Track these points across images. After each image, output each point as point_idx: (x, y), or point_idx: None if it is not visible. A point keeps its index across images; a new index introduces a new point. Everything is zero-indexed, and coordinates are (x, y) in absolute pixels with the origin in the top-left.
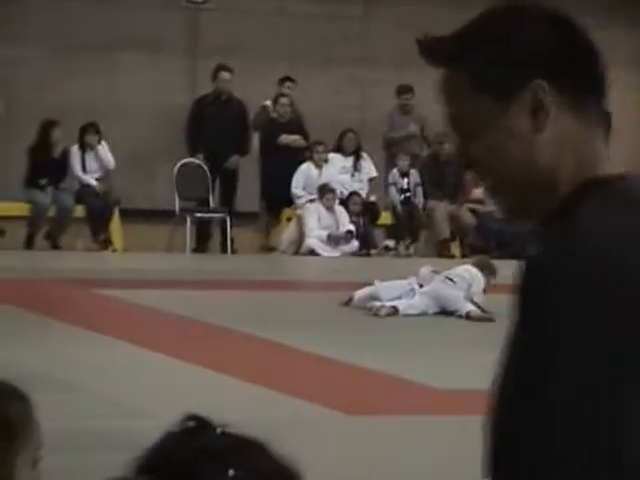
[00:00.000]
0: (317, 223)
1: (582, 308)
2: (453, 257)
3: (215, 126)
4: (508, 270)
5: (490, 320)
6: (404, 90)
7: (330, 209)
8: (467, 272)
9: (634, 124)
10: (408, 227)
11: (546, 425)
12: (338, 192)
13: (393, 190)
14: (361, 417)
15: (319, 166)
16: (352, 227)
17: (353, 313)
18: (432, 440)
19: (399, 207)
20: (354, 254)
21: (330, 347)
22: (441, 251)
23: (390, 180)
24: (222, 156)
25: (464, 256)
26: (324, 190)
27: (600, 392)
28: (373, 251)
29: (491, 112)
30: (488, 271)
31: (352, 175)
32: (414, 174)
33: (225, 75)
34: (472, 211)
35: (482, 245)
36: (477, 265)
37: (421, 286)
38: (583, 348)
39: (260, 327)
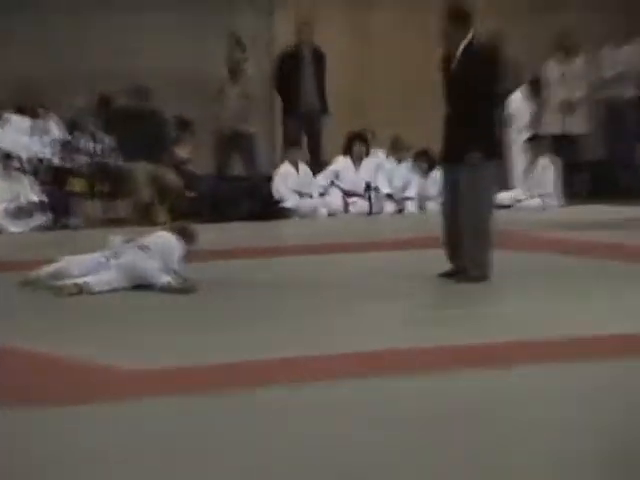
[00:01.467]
0: None
1: None
2: (160, 224)
3: None
4: (217, 234)
5: (191, 291)
6: None
7: (11, 177)
8: (161, 238)
9: None
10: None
11: None
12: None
13: (78, 157)
14: None
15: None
16: (36, 197)
17: (35, 294)
18: None
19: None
20: (44, 228)
21: None
22: (145, 217)
23: (77, 144)
24: None
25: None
26: (3, 156)
27: None
28: (74, 221)
29: None
30: (186, 237)
31: (35, 137)
32: (106, 136)
33: None
34: (178, 172)
35: (193, 209)
36: (174, 230)
37: (113, 258)
38: None
39: None
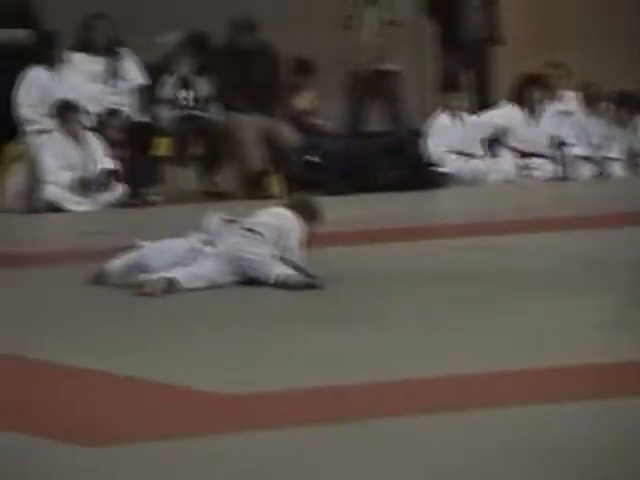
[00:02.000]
0: (57, 161)
1: None
2: (271, 197)
3: None
4: (349, 210)
5: (312, 286)
6: None
7: (76, 138)
8: (276, 218)
9: None
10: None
11: None
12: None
13: (162, 110)
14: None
15: (52, 70)
16: (111, 164)
17: (109, 294)
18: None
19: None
20: (119, 205)
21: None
22: (253, 189)
23: (161, 94)
24: None
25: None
26: (64, 109)
27: None
28: (155, 196)
29: None
30: (308, 214)
31: (107, 83)
32: (201, 82)
33: None
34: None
35: (314, 177)
36: (291, 207)
37: (207, 245)
38: None
39: None
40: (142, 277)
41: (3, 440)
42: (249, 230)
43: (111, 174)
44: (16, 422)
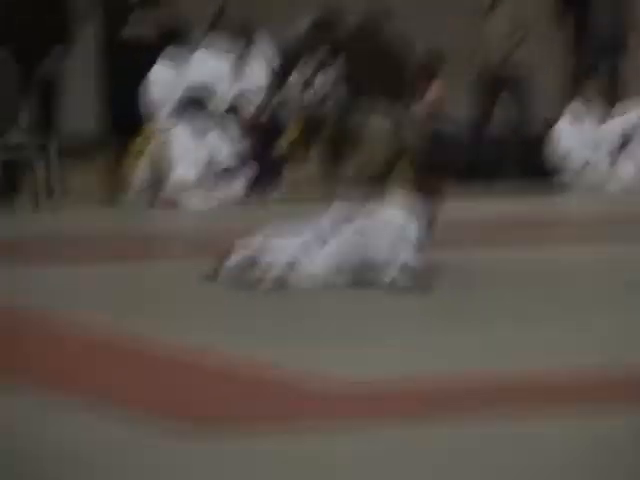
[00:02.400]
0: (181, 158)
1: None
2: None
3: None
4: (470, 212)
5: (424, 290)
6: None
7: (201, 134)
8: (393, 217)
9: None
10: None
11: None
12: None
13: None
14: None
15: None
16: (234, 161)
17: (224, 290)
18: None
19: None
20: (240, 202)
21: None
22: (375, 190)
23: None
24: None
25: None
26: (189, 105)
27: None
28: (276, 194)
29: None
30: (429, 193)
31: (238, 70)
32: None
33: None
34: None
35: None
36: (412, 193)
37: (325, 243)
38: None
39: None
40: (258, 273)
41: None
42: (363, 230)
43: (234, 171)
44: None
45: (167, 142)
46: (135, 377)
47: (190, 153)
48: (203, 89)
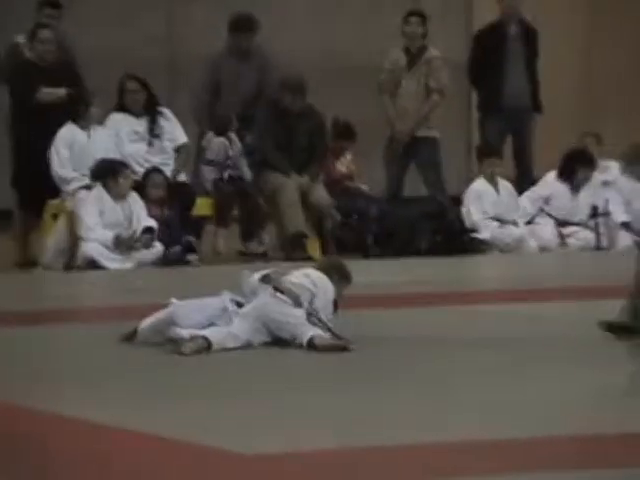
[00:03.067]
0: (97, 218)
1: None
2: (310, 259)
3: None
4: (384, 274)
5: (344, 349)
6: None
7: (120, 197)
8: (308, 278)
9: None
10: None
11: None
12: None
13: (207, 171)
14: None
15: (86, 128)
16: (152, 222)
17: (141, 352)
18: None
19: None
20: (157, 263)
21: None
22: (293, 251)
23: (209, 156)
24: None
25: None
26: (116, 167)
27: None
28: (191, 257)
29: None
30: (339, 275)
31: (149, 144)
32: (236, 141)
33: None
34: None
35: (354, 239)
36: (323, 268)
37: (239, 305)
38: None
39: None
40: (175, 335)
41: None
42: (280, 291)
43: (151, 233)
44: None
45: (82, 204)
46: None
47: (107, 215)
48: (118, 153)
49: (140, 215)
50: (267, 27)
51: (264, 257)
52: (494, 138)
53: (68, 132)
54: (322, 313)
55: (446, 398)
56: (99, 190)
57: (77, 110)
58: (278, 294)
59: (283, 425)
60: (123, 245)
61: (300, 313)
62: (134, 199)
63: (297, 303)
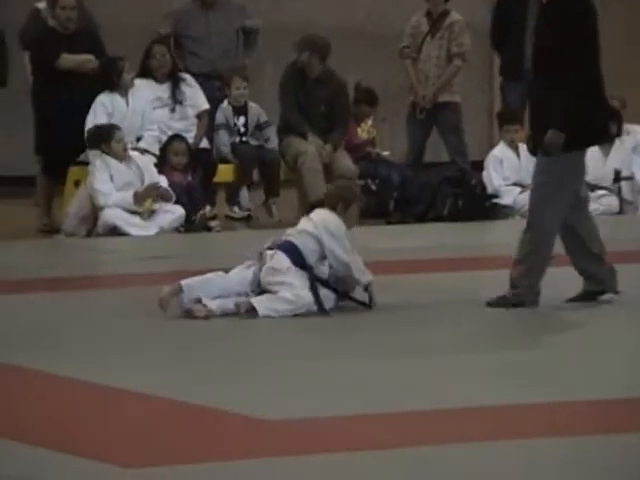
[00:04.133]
0: (110, 183)
1: None
2: None
3: None
4: (405, 239)
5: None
6: None
7: (123, 159)
8: (310, 223)
9: None
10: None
11: None
12: (152, 136)
13: (222, 135)
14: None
15: (124, 96)
16: (163, 180)
17: (165, 320)
18: None
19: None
20: (178, 229)
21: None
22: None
23: (218, 120)
24: None
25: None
26: (104, 131)
27: None
28: (213, 223)
29: None
30: (343, 204)
31: (172, 110)
32: (255, 108)
33: None
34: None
35: (376, 205)
36: (327, 202)
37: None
38: None
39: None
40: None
41: (44, 457)
42: (276, 249)
43: (166, 193)
44: (54, 441)
45: (95, 170)
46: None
47: (119, 178)
48: (144, 119)
49: (151, 171)
50: None
51: (248, 220)
52: (515, 103)
53: (107, 99)
54: (339, 251)
55: (456, 366)
56: (102, 157)
57: (111, 78)
58: (275, 256)
59: (303, 393)
60: (143, 198)
61: (296, 278)
62: (139, 157)
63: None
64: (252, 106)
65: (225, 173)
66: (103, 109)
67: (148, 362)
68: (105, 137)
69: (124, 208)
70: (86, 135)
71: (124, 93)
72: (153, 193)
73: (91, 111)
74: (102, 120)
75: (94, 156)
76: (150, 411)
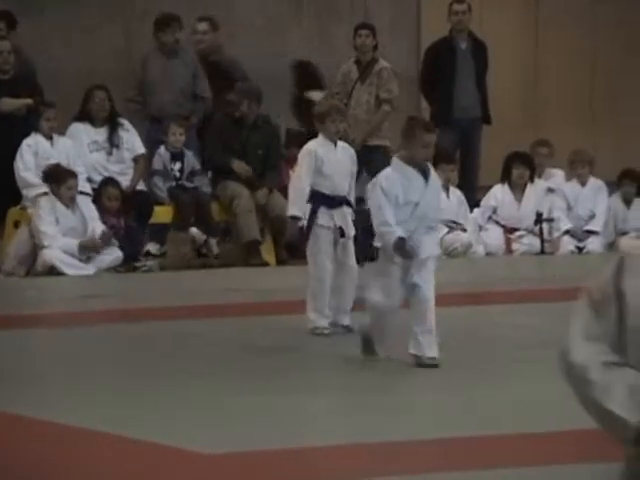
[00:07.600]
0: (55, 227)
1: None
2: (266, 265)
3: None
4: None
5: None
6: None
7: (69, 203)
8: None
9: None
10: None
11: None
12: (81, 178)
13: (157, 180)
14: None
15: (49, 138)
16: (104, 226)
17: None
18: None
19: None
20: (116, 269)
21: None
22: (249, 257)
23: (155, 165)
24: None
25: (281, 263)
26: (60, 174)
27: None
28: (149, 262)
29: None
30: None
31: (109, 153)
32: (190, 156)
33: None
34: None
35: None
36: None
37: None
38: None
39: None
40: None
41: None
42: None
43: (108, 236)
44: None
45: (40, 211)
46: None
47: (63, 222)
48: (78, 162)
49: (94, 219)
50: (223, 35)
51: (219, 264)
52: (444, 148)
53: (33, 140)
54: None
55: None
56: (50, 198)
57: (38, 120)
58: None
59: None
60: (88, 249)
61: None
62: (84, 203)
63: None
64: (188, 153)
65: (162, 214)
66: (28, 149)
67: (87, 397)
68: (58, 179)
69: (69, 253)
70: (45, 169)
71: (49, 135)
72: (98, 245)
73: (18, 154)
74: (30, 160)
75: (38, 196)
76: (88, 445)
